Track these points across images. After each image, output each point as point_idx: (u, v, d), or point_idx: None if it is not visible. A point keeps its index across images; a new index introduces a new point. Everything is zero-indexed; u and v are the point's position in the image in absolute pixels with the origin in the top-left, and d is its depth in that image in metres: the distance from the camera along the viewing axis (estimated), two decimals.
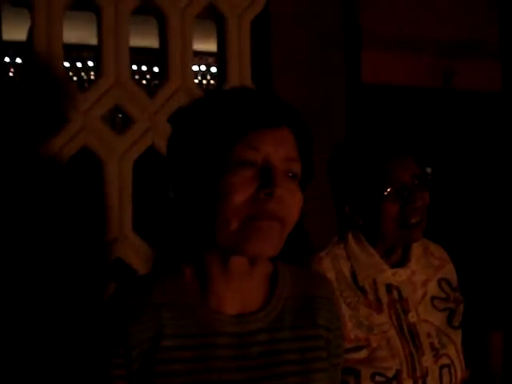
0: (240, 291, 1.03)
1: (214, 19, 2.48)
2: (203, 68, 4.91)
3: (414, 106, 3.70)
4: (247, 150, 0.96)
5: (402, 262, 1.53)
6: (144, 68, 4.69)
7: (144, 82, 4.68)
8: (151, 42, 2.75)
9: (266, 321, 1.03)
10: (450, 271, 1.61)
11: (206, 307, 1.01)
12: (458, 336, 1.54)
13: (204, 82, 4.86)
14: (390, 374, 1.42)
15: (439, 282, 1.57)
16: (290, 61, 2.61)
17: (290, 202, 0.98)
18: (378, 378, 1.41)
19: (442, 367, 1.47)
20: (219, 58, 2.48)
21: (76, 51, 4.49)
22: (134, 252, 2.23)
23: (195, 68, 4.82)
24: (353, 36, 3.17)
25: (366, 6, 3.31)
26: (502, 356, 1.84)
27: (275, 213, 0.96)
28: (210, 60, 4.71)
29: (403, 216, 1.45)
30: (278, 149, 0.98)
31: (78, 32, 3.39)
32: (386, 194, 1.44)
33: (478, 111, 3.86)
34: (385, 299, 1.49)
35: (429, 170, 4.43)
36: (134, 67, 4.45)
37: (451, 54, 3.65)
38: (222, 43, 2.44)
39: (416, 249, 1.55)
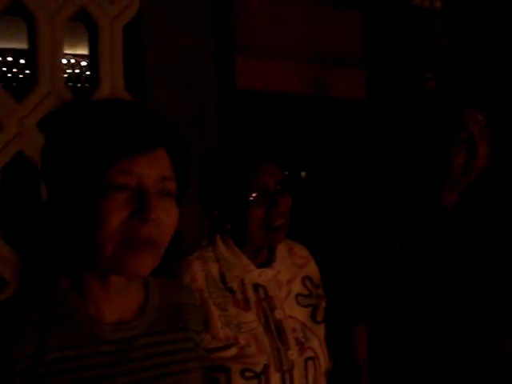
0: (117, 301, 1.05)
1: (85, 24, 2.46)
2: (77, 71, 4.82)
3: (288, 112, 3.84)
4: (120, 174, 0.96)
5: (267, 263, 1.61)
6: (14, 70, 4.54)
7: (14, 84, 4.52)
8: (20, 43, 2.69)
9: (144, 326, 1.07)
10: (312, 269, 1.70)
11: (86, 317, 1.02)
12: (321, 330, 1.63)
13: (78, 85, 4.75)
14: (259, 369, 1.48)
15: (303, 279, 1.66)
16: (162, 67, 2.64)
17: (166, 221, 1.00)
18: (247, 374, 1.47)
19: (307, 360, 1.55)
20: (91, 62, 2.47)
21: None
22: (3, 261, 2.17)
23: (70, 71, 4.71)
24: (228, 43, 3.24)
25: (241, 14, 3.40)
26: (368, 347, 1.93)
27: (150, 237, 0.98)
28: (84, 64, 4.62)
29: (268, 219, 1.53)
30: (152, 170, 0.99)
31: None
32: (251, 199, 1.51)
33: (347, 118, 4.07)
34: (252, 298, 1.55)
35: (303, 173, 4.60)
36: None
37: (323, 63, 3.83)
38: (94, 48, 2.43)
39: (280, 249, 1.63)
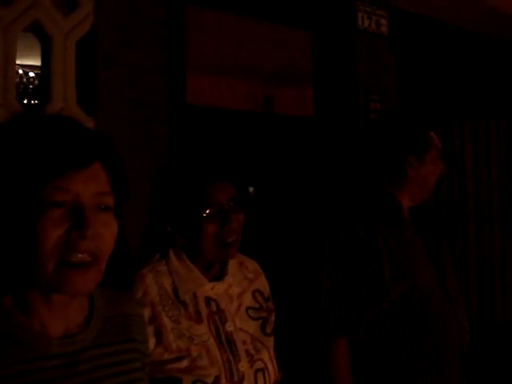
0: (62, 315, 1.05)
1: (38, 37, 2.46)
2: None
3: (237, 128, 3.89)
4: (55, 191, 0.96)
5: (219, 277, 1.64)
6: None
7: None
8: None
9: (89, 339, 1.07)
10: (262, 283, 1.75)
11: (31, 332, 1.01)
12: (270, 342, 1.67)
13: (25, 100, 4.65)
14: (210, 380, 1.50)
15: (253, 293, 1.70)
16: (114, 82, 2.65)
17: (105, 234, 1.00)
18: None
19: (256, 371, 1.58)
20: (43, 76, 2.47)
21: None
22: None
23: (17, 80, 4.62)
24: (178, 59, 3.28)
25: (192, 31, 3.44)
26: (349, 362, 1.90)
27: (89, 251, 0.98)
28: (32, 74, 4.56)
29: (220, 236, 1.57)
30: (88, 186, 0.99)
31: None
32: (204, 215, 1.56)
33: (295, 134, 4.15)
34: (204, 311, 1.58)
35: (251, 189, 4.65)
36: None
37: (271, 81, 3.90)
38: (46, 61, 2.43)
39: (232, 264, 1.67)
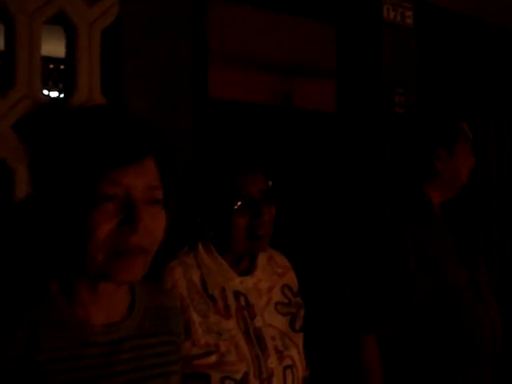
0: (106, 304, 1.06)
1: (64, 27, 2.45)
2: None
3: (256, 121, 3.87)
4: (108, 185, 0.97)
5: (248, 271, 1.62)
6: None
7: None
8: None
9: (131, 329, 1.08)
10: (291, 278, 1.72)
11: (75, 319, 1.03)
12: (299, 339, 1.64)
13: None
14: (239, 376, 1.48)
15: (282, 288, 1.67)
16: (138, 72, 2.63)
17: (155, 228, 1.02)
18: (227, 382, 1.47)
19: (285, 368, 1.56)
20: (67, 67, 2.45)
21: None
22: None
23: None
24: (200, 52, 3.26)
25: (214, 23, 3.41)
26: (379, 358, 1.88)
27: (140, 246, 0.99)
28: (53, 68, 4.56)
29: (251, 228, 1.54)
30: (139, 180, 1.00)
31: None
32: (236, 207, 1.53)
33: (316, 129, 4.11)
34: (233, 306, 1.56)
35: (270, 183, 4.62)
36: None
37: (292, 75, 3.87)
38: (71, 52, 2.41)
39: (261, 258, 1.64)
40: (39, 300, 1.02)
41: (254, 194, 1.54)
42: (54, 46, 2.93)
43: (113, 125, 1.02)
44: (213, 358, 1.49)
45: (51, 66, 4.49)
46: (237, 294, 1.58)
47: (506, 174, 4.86)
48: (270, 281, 1.65)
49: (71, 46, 2.39)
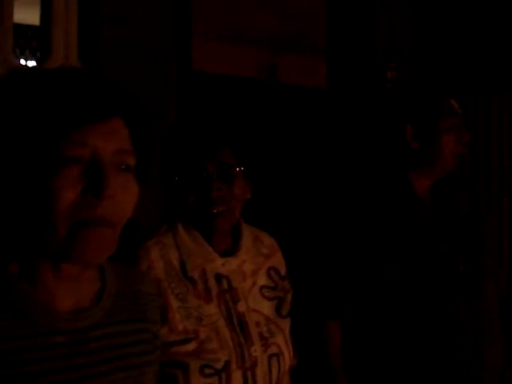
0: (72, 288, 0.97)
1: None
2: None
3: (239, 95, 3.77)
4: (72, 145, 0.88)
5: (231, 251, 1.52)
6: None
7: None
8: None
9: (100, 316, 0.99)
10: (278, 260, 1.62)
11: (38, 305, 0.93)
12: (286, 325, 1.56)
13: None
14: (219, 365, 1.40)
15: (268, 270, 1.57)
16: (119, 42, 2.52)
17: (123, 199, 0.92)
18: (206, 371, 1.39)
19: (271, 356, 1.47)
20: (42, 31, 2.31)
21: None
22: None
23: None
24: (184, 24, 3.15)
25: None
26: (341, 344, 1.85)
27: (106, 217, 0.89)
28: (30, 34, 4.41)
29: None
30: (107, 142, 0.90)
31: None
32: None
33: (304, 105, 4.01)
34: (214, 289, 1.47)
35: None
36: None
37: (279, 49, 3.78)
38: (46, 16, 2.27)
39: (246, 238, 1.54)
40: None
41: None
42: (32, 14, 2.79)
43: (77, 83, 0.92)
44: (192, 346, 1.40)
45: (29, 34, 4.34)
46: (218, 277, 1.48)
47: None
48: (254, 263, 1.55)
49: (46, 11, 2.25)
